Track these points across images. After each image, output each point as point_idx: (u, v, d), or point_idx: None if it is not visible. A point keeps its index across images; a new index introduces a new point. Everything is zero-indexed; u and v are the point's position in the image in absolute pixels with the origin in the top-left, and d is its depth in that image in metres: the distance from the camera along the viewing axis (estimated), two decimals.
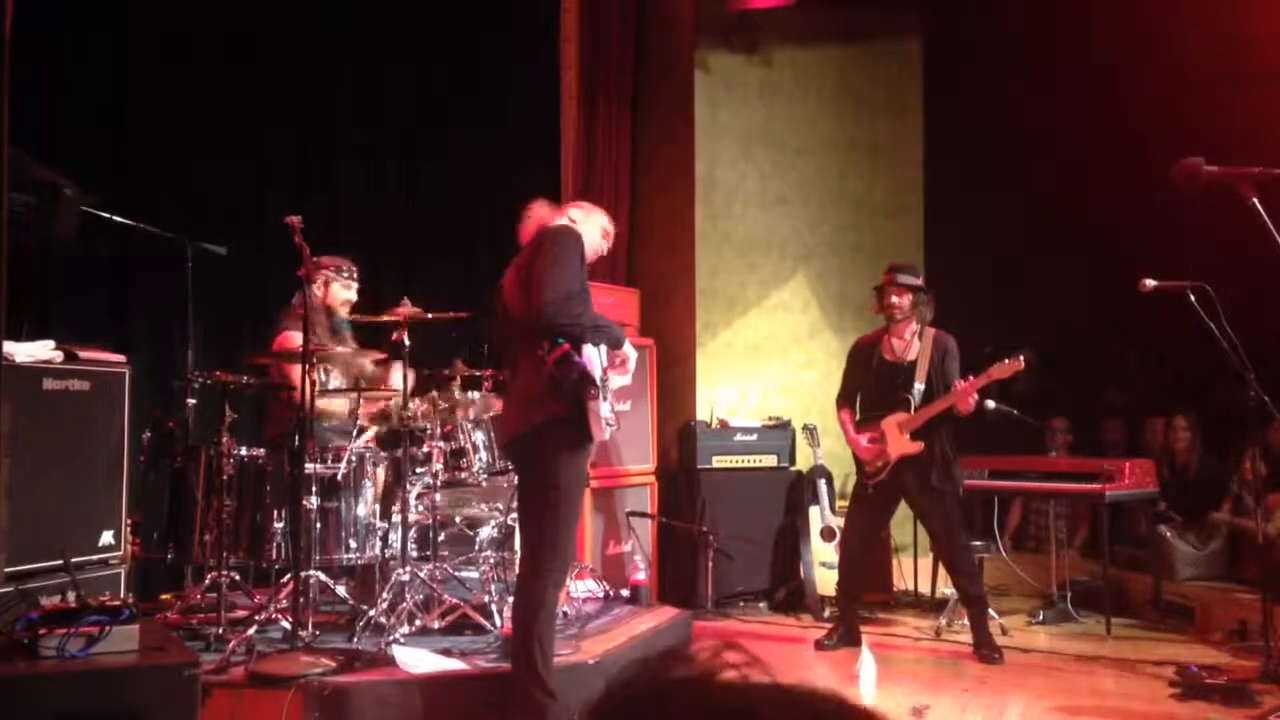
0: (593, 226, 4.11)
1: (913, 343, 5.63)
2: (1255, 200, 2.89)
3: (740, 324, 7.56)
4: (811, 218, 7.78)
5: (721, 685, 0.64)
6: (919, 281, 5.69)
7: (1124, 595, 6.65)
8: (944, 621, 6.21)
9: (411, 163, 7.24)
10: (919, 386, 5.52)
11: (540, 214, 4.06)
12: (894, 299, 5.59)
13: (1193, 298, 4.78)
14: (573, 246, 3.76)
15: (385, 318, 4.81)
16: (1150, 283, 4.87)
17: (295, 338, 4.69)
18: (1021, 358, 5.17)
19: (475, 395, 5.07)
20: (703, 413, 7.30)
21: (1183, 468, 6.96)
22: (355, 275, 5.34)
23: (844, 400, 5.82)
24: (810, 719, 0.61)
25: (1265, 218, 2.89)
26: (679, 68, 7.69)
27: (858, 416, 5.74)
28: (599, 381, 3.72)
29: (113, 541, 4.48)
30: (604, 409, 3.74)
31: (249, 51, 6.66)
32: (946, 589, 6.63)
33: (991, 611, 6.26)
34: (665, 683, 0.64)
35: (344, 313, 5.28)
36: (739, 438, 7.02)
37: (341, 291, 5.28)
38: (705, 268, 7.54)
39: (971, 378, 5.34)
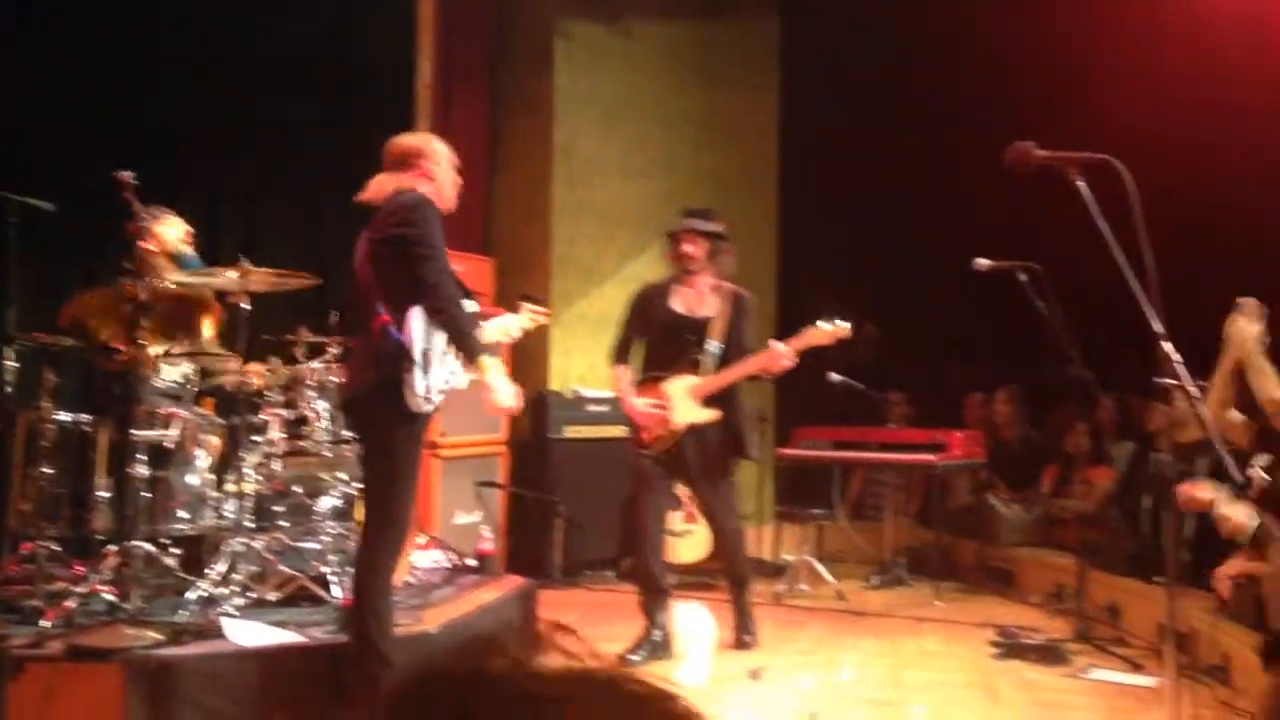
0: (445, 177, 3.94)
1: (707, 296, 4.99)
2: (1081, 183, 3.01)
3: (596, 294, 7.57)
4: (669, 190, 7.81)
5: (535, 675, 0.63)
6: (718, 228, 5.04)
7: (953, 560, 6.96)
8: (784, 587, 6.38)
9: (254, 124, 6.94)
10: (714, 346, 4.89)
11: (385, 185, 3.87)
12: (688, 247, 4.95)
13: (1023, 277, 4.99)
14: (435, 219, 3.65)
15: (221, 280, 4.61)
16: (983, 262, 5.06)
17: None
18: (841, 323, 4.82)
19: (316, 366, 4.93)
20: (556, 382, 7.29)
21: (1007, 440, 7.29)
22: (171, 212, 5.10)
23: (620, 354, 5.07)
24: (620, 703, 0.61)
25: (1090, 200, 3.02)
26: (539, 34, 7.61)
27: (640, 375, 5.03)
28: (419, 354, 3.59)
29: None
30: (428, 381, 3.60)
31: (80, 3, 6.28)
32: (788, 555, 6.82)
33: (828, 576, 6.48)
34: (479, 673, 0.63)
35: (187, 248, 5.05)
36: (591, 408, 7.04)
37: (168, 231, 5.03)
38: (563, 237, 7.51)
39: (788, 341, 4.82)
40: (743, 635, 5.10)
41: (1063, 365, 5.37)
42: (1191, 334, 3.23)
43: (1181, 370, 2.90)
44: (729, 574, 5.22)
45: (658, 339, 5.00)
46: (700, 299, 4.98)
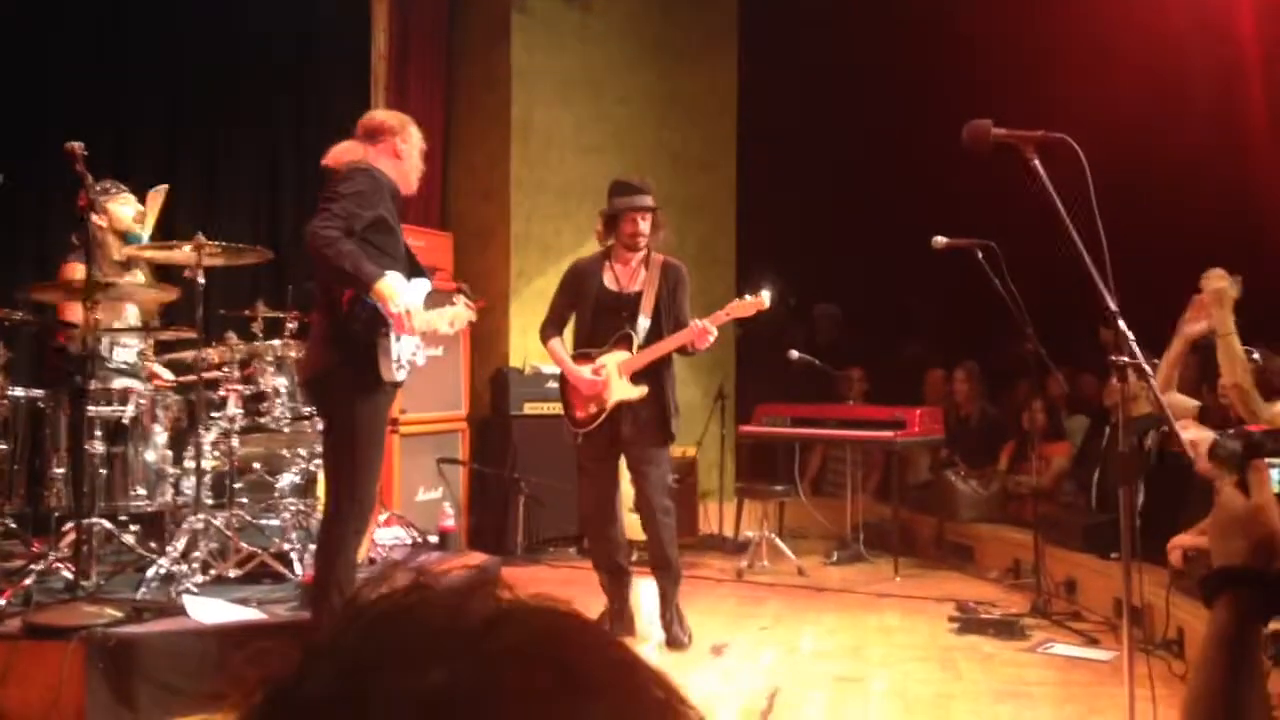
0: (411, 161, 3.94)
1: (639, 271, 4.81)
2: (1036, 161, 3.04)
3: (555, 271, 7.45)
4: (628, 167, 7.75)
5: (473, 599, 0.61)
6: (655, 203, 4.82)
7: (911, 536, 7.04)
8: (745, 564, 6.43)
9: (210, 95, 6.83)
10: (644, 321, 4.72)
11: (343, 154, 3.86)
12: (643, 225, 4.73)
13: (980, 255, 5.04)
14: (361, 183, 3.63)
15: (176, 254, 4.55)
16: (941, 240, 5.10)
17: (79, 269, 4.40)
18: (764, 295, 4.57)
19: (275, 344, 4.89)
20: (515, 359, 7.27)
21: (965, 416, 7.38)
22: (123, 188, 5.03)
23: (551, 329, 4.90)
24: (555, 630, 0.60)
25: (1044, 178, 3.05)
26: (496, 7, 7.55)
27: (570, 352, 4.86)
28: (391, 322, 3.62)
29: None
30: (400, 349, 3.67)
31: None
32: (749, 531, 6.87)
33: (789, 552, 6.54)
34: (410, 595, 0.60)
35: (138, 226, 4.97)
36: (551, 384, 7.01)
37: (122, 209, 4.96)
38: (520, 214, 7.48)
39: (710, 317, 4.64)
40: (675, 631, 4.76)
41: (1018, 341, 5.45)
42: (1144, 311, 3.28)
43: (1134, 347, 2.94)
44: (656, 561, 4.78)
45: (589, 315, 4.83)
46: (632, 274, 4.81)
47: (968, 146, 3.11)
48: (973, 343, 7.81)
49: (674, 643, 4.73)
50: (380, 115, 4.04)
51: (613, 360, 4.69)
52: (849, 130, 8.45)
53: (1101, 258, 2.90)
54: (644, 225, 4.73)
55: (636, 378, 4.68)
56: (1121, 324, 2.92)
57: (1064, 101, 6.25)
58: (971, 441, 7.24)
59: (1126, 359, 2.99)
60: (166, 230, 5.25)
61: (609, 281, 4.82)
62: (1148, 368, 2.99)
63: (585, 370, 4.71)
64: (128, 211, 4.98)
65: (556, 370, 6.93)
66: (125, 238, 4.96)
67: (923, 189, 7.60)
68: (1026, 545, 5.74)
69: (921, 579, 6.33)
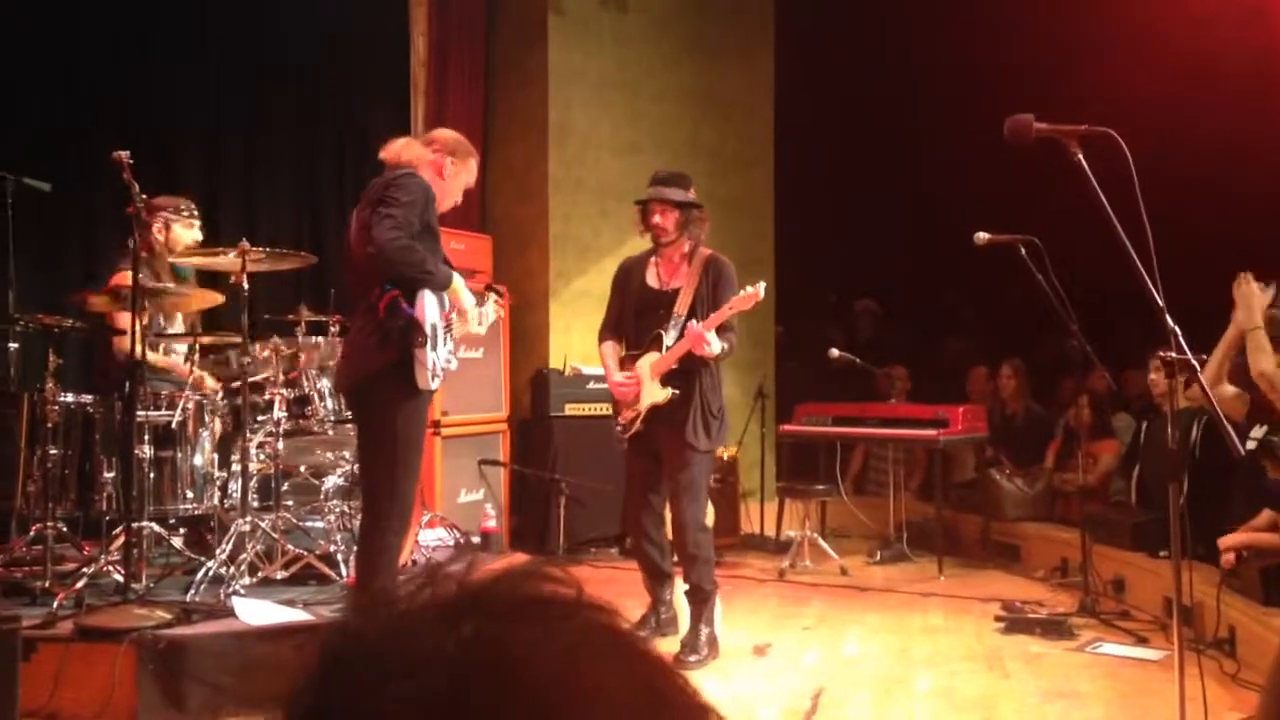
0: (453, 185, 4.00)
1: (681, 267, 4.67)
2: (1080, 156, 3.00)
3: (595, 271, 7.55)
4: (665, 166, 7.77)
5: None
6: (689, 196, 4.66)
7: (956, 535, 6.98)
8: (788, 563, 6.41)
9: (252, 101, 6.92)
10: (676, 320, 4.55)
11: (402, 151, 3.89)
12: (656, 218, 4.59)
13: (1023, 250, 4.99)
14: (415, 191, 3.67)
15: (222, 258, 4.61)
16: (983, 236, 5.05)
17: (129, 277, 4.46)
18: (760, 286, 4.39)
19: (319, 341, 4.94)
20: (555, 360, 7.29)
21: (1011, 414, 7.30)
22: (196, 214, 5.12)
23: (605, 331, 4.83)
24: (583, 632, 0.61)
25: (1088, 173, 3.01)
26: (533, 9, 7.57)
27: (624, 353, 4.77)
28: (429, 329, 3.67)
29: None
30: (435, 358, 3.71)
31: None
32: (791, 531, 6.84)
33: (832, 552, 6.51)
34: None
35: (188, 263, 5.05)
36: (591, 385, 7.04)
37: (184, 233, 5.05)
38: (559, 215, 7.50)
39: (706, 321, 4.42)
40: (687, 655, 4.43)
41: (1062, 338, 5.38)
42: (1189, 306, 3.24)
43: (1181, 342, 2.90)
44: (685, 574, 4.60)
45: (631, 316, 4.74)
46: (674, 270, 4.67)
47: (1010, 141, 3.08)
48: (1016, 340, 7.73)
49: (680, 664, 4.28)
50: (447, 134, 4.12)
51: (646, 362, 4.58)
52: (888, 125, 8.40)
53: (1147, 252, 2.87)
54: (662, 219, 4.57)
55: (667, 379, 4.51)
56: (1168, 319, 2.89)
57: (1104, 88, 6.19)
58: (1017, 439, 7.16)
59: (1174, 354, 2.96)
60: (211, 236, 5.33)
61: (650, 279, 4.71)
62: (1195, 363, 2.95)
63: (620, 375, 4.64)
64: (190, 236, 5.06)
65: (598, 371, 6.99)
66: (173, 268, 5.05)
67: (964, 184, 7.54)
68: (1073, 544, 5.67)
69: (966, 578, 6.27)
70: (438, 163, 3.92)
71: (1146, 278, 2.87)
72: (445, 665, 0.56)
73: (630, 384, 4.58)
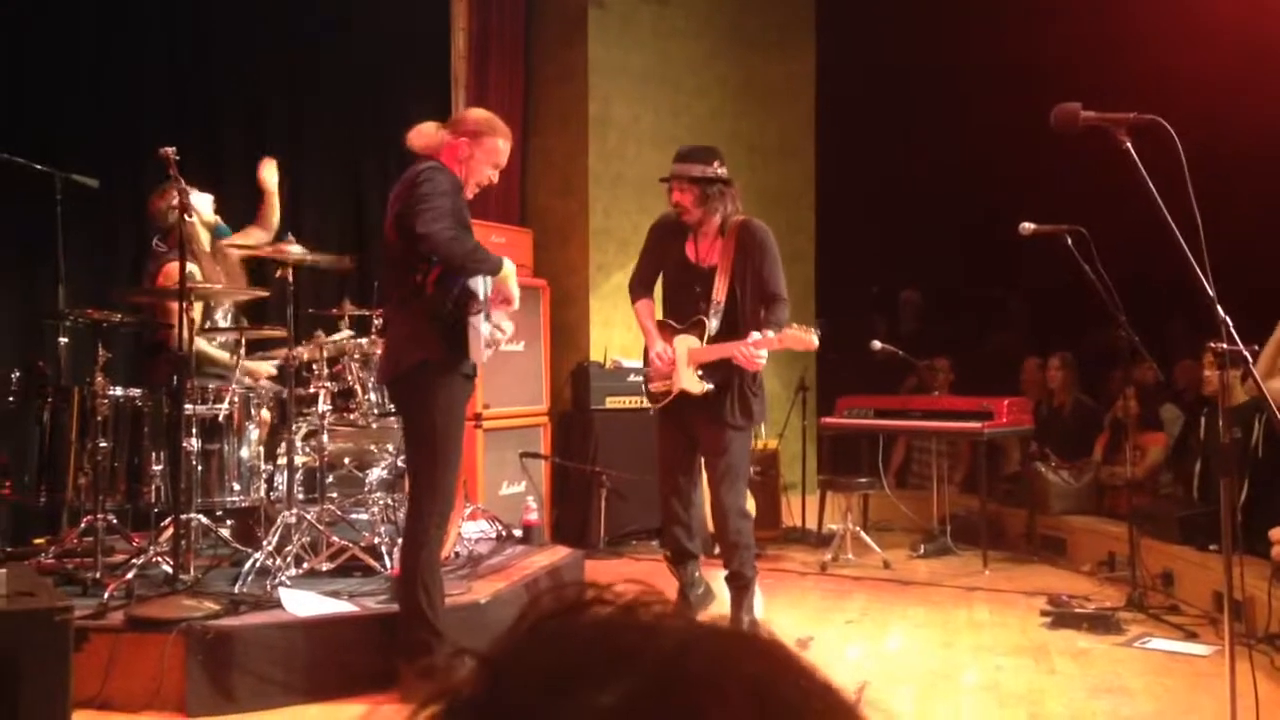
0: (478, 167, 3.94)
1: (717, 244, 4.49)
2: (1129, 144, 2.96)
3: (634, 265, 7.53)
4: None
5: (665, 620, 0.60)
6: (711, 170, 4.45)
7: (1000, 528, 6.91)
8: (830, 557, 6.38)
9: (296, 97, 6.98)
10: (717, 305, 4.41)
11: (428, 137, 3.87)
12: (676, 195, 4.46)
13: (1069, 241, 4.92)
14: (442, 184, 3.65)
15: (265, 253, 4.65)
16: (1029, 226, 4.99)
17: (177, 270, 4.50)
18: (814, 336, 4.29)
19: (362, 342, 4.98)
20: (596, 354, 7.30)
21: (1058, 406, 7.21)
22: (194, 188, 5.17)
23: (638, 288, 4.69)
24: (747, 653, 0.59)
25: (1138, 161, 2.97)
26: (573, 2, 7.57)
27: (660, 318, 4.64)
28: (482, 299, 3.70)
29: None
30: (487, 328, 3.74)
31: None
32: (833, 524, 6.81)
33: (874, 545, 6.47)
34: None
35: (217, 217, 5.14)
36: (632, 378, 7.04)
37: (202, 203, 5.05)
38: (599, 209, 7.50)
39: (758, 337, 4.26)
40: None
41: (1110, 329, 5.31)
42: (1242, 297, 3.18)
43: (1233, 333, 2.86)
44: (726, 567, 4.54)
45: (669, 284, 4.61)
46: (710, 246, 4.50)
47: (1056, 130, 3.04)
48: (1062, 331, 7.64)
49: None
50: (470, 114, 4.01)
51: (683, 345, 4.44)
52: (931, 115, 8.32)
53: (1198, 242, 2.82)
54: (680, 196, 4.43)
55: (705, 371, 4.40)
56: (1220, 310, 2.84)
57: (1152, 74, 6.09)
58: (1064, 432, 7.07)
59: (1225, 345, 2.91)
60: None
61: (688, 251, 4.54)
62: (1248, 354, 2.90)
63: (659, 345, 4.50)
64: (206, 203, 5.12)
65: (638, 365, 6.99)
66: (214, 230, 5.12)
67: (1009, 173, 7.46)
68: (1121, 537, 5.59)
69: (1012, 572, 6.21)
70: (455, 145, 3.82)
71: (1197, 267, 2.82)
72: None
73: (666, 359, 4.47)
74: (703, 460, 4.61)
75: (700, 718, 0.54)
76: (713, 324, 4.41)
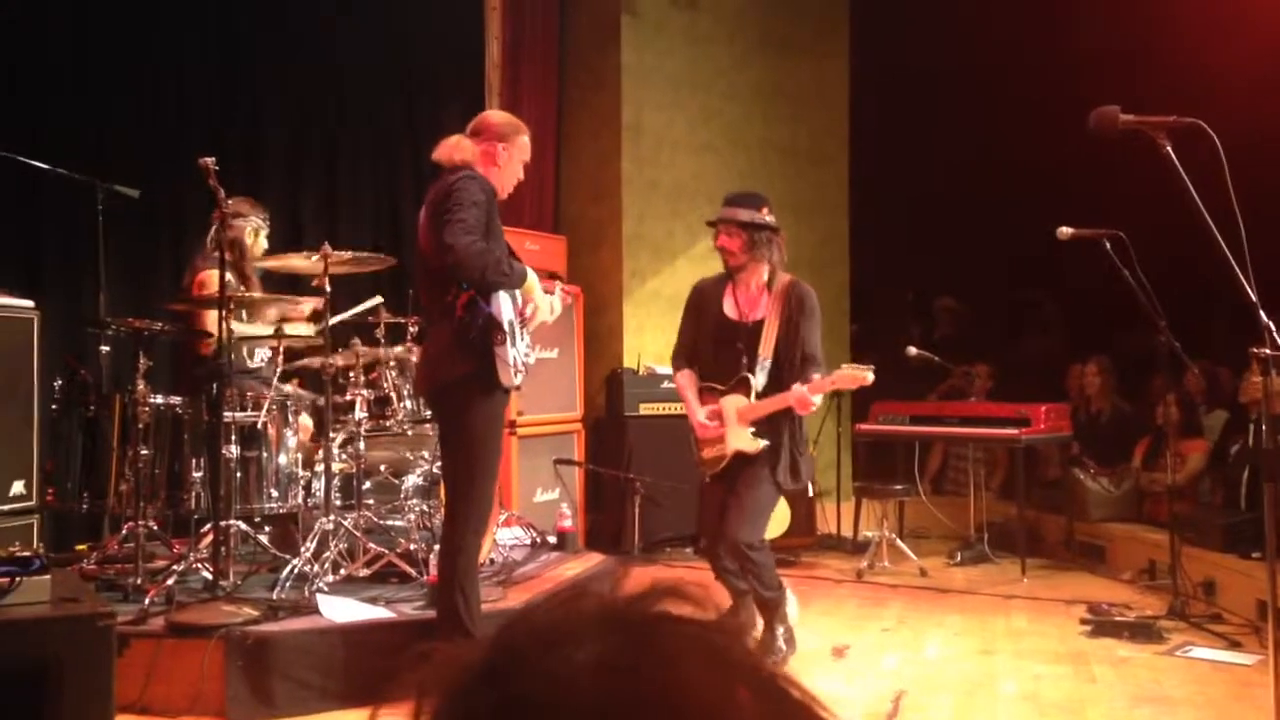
0: (510, 169, 3.95)
1: (760, 297, 4.38)
2: (1169, 148, 2.93)
3: (668, 271, 7.56)
4: (738, 165, 7.77)
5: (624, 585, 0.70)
6: (760, 217, 4.33)
7: (1039, 536, 6.85)
8: (865, 564, 6.34)
9: (332, 105, 7.04)
10: (764, 361, 4.30)
11: (454, 151, 3.87)
12: (724, 240, 4.34)
13: (1108, 245, 4.87)
14: (477, 194, 3.66)
15: (303, 261, 4.68)
16: (1067, 230, 4.94)
17: (214, 277, 4.55)
18: (869, 373, 4.17)
19: (397, 350, 5.02)
20: (630, 360, 7.31)
21: (1097, 412, 7.13)
22: (258, 216, 5.23)
23: (679, 359, 4.57)
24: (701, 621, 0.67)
25: (1178, 165, 2.94)
26: (606, 10, 7.60)
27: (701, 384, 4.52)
28: (507, 326, 3.69)
29: (24, 491, 4.39)
30: (514, 354, 3.73)
31: None
32: (869, 532, 6.77)
33: (910, 552, 6.43)
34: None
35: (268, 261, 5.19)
36: (666, 385, 7.03)
37: (264, 243, 5.19)
38: (632, 215, 7.51)
39: (816, 379, 4.16)
40: (775, 645, 4.35)
41: (1150, 334, 5.25)
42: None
43: (1276, 338, 2.82)
44: (756, 595, 4.34)
45: (709, 346, 4.47)
46: (753, 301, 4.39)
47: (1095, 134, 3.02)
48: (1100, 337, 7.56)
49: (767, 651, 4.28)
50: (493, 119, 4.02)
51: (731, 405, 4.31)
52: (967, 118, 8.27)
53: (1240, 245, 2.78)
54: (727, 241, 4.32)
55: (757, 429, 4.27)
56: (1263, 315, 2.80)
57: (1191, 75, 6.02)
58: (1103, 438, 6.98)
59: (1269, 351, 2.86)
60: (294, 239, 5.44)
61: (729, 308, 4.43)
62: None
63: (702, 412, 4.38)
64: (260, 248, 5.17)
65: (670, 371, 6.99)
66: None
67: (1046, 177, 7.39)
68: (1161, 545, 5.53)
69: (1050, 580, 6.15)
70: (490, 151, 3.84)
71: (1239, 271, 2.79)
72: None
73: (714, 425, 4.35)
74: (732, 488, 4.39)
75: (668, 671, 0.63)
76: (759, 379, 4.29)
